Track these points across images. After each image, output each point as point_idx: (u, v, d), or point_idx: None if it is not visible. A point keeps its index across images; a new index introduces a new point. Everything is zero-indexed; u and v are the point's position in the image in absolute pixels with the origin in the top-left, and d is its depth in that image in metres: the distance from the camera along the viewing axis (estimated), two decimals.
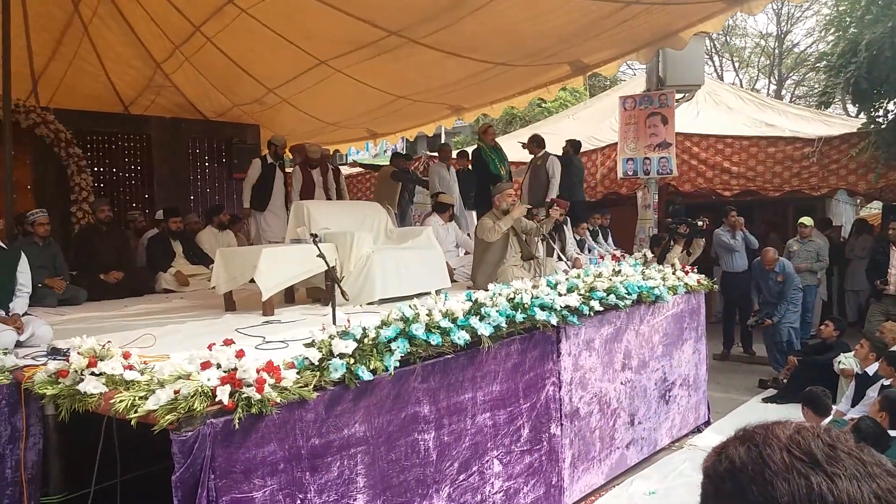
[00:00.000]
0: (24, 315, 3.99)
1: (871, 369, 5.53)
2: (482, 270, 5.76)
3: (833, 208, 11.95)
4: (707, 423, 6.20)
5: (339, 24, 6.54)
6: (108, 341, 2.88)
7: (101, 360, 2.71)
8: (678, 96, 8.44)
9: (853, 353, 5.98)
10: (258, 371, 2.56)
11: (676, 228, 6.87)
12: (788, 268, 7.86)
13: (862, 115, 9.56)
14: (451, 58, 7.27)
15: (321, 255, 4.21)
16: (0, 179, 6.27)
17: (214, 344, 2.69)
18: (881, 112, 8.90)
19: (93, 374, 2.67)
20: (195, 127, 10.11)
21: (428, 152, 13.98)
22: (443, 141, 14.06)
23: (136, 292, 6.27)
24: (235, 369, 2.55)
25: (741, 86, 21.52)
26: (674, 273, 5.79)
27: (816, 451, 0.80)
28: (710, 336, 6.67)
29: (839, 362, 6.18)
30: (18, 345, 3.56)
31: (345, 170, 11.51)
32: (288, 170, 8.70)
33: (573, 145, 8.95)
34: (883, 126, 8.62)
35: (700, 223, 6.88)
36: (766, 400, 6.89)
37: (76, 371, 2.70)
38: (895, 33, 7.99)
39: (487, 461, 3.69)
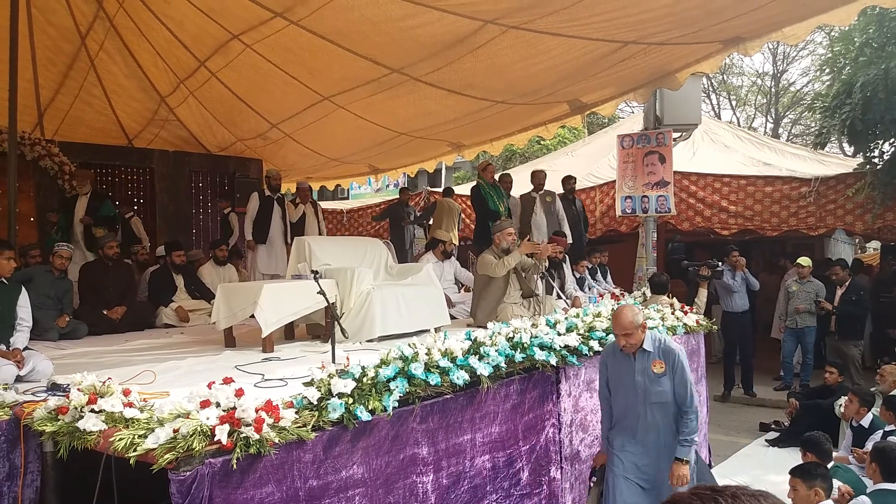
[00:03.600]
0: (24, 349, 3.99)
1: (866, 421, 5.51)
2: (482, 307, 5.78)
3: (831, 248, 11.99)
4: (709, 467, 6.12)
5: (343, 61, 6.66)
6: (109, 378, 2.87)
7: (102, 396, 2.71)
8: (675, 135, 8.52)
9: (843, 407, 5.88)
10: (257, 410, 2.56)
11: (698, 271, 6.76)
12: (668, 343, 3.83)
13: (858, 155, 9.68)
14: (452, 95, 7.38)
15: (322, 292, 4.23)
16: (3, 211, 6.32)
17: (214, 382, 2.69)
18: (877, 153, 9.01)
19: (92, 411, 2.66)
20: (198, 160, 10.20)
21: (428, 188, 14.13)
22: (443, 178, 14.17)
23: (137, 326, 6.27)
24: (235, 408, 2.55)
25: (738, 124, 21.75)
26: (673, 313, 5.79)
27: (715, 489, 0.97)
28: (711, 377, 6.62)
29: (840, 405, 6.14)
30: (18, 379, 3.56)
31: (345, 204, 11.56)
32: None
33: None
34: (879, 167, 8.72)
35: (720, 265, 6.81)
36: (768, 442, 6.82)
37: (76, 408, 2.70)
38: (889, 75, 8.12)
39: None
